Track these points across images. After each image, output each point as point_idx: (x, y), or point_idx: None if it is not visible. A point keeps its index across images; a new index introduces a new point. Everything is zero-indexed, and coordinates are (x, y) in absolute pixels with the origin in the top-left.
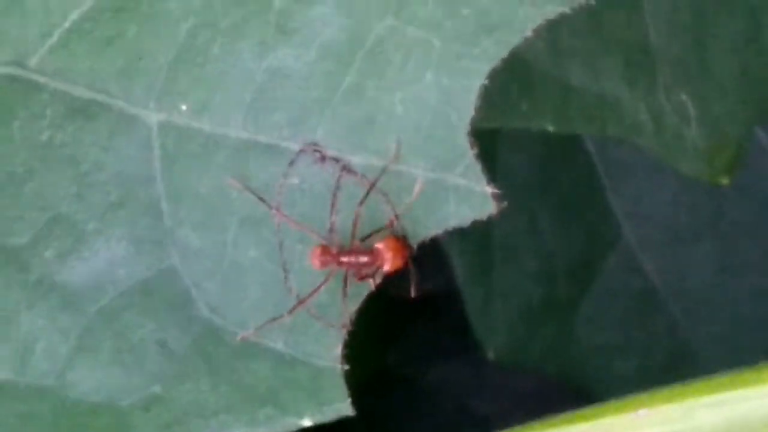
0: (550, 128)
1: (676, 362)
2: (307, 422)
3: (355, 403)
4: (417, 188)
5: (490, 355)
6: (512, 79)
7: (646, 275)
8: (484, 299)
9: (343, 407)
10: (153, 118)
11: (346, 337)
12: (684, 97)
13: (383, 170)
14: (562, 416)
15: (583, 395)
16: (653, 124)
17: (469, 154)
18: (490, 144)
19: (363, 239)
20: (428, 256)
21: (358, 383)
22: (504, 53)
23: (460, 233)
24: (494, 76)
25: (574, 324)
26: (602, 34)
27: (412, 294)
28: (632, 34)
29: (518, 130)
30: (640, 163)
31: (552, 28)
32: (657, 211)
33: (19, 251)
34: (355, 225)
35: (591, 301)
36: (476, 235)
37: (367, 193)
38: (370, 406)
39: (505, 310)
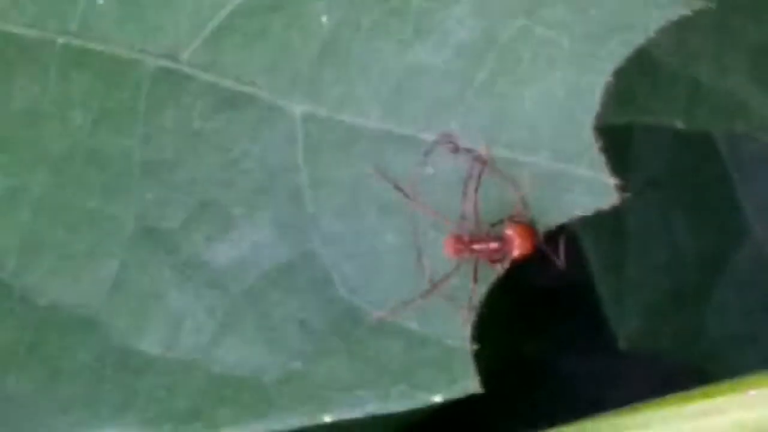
0: (680, 125)
1: None
2: (437, 399)
3: (493, 387)
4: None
5: (622, 343)
6: (643, 77)
7: None
8: (616, 290)
9: (472, 385)
10: (297, 109)
11: (476, 318)
12: None
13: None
14: (676, 396)
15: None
16: None
17: (594, 146)
18: (624, 140)
19: (493, 225)
20: (568, 251)
21: (494, 368)
22: (629, 53)
23: (594, 227)
24: (625, 74)
25: (704, 314)
26: (729, 34)
27: (561, 266)
28: (758, 34)
29: (651, 126)
30: None
31: (680, 28)
32: None
33: (169, 234)
34: (476, 212)
35: (720, 292)
36: (610, 228)
37: (480, 177)
38: (507, 393)
39: (637, 300)
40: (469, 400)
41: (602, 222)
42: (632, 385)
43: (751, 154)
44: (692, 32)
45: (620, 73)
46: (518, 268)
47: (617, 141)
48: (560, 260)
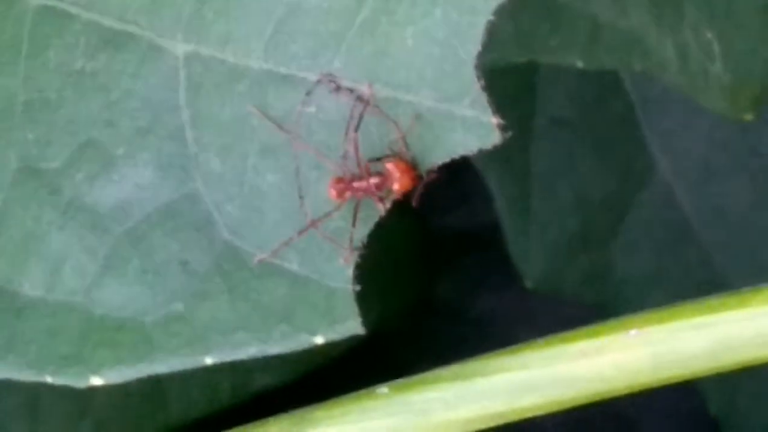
0: (579, 64)
1: (709, 292)
2: (319, 339)
3: (404, 326)
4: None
5: (528, 284)
6: (542, 15)
7: (680, 208)
8: (522, 230)
9: (354, 326)
10: (179, 49)
11: (358, 259)
12: (709, 34)
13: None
14: (557, 336)
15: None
16: (679, 61)
17: (475, 86)
18: (528, 80)
19: (372, 161)
20: (478, 192)
21: (405, 308)
22: None
23: (499, 166)
24: (525, 13)
25: (610, 254)
26: None
27: (414, 203)
28: None
29: (556, 67)
30: (675, 99)
31: None
32: (692, 146)
33: (51, 174)
34: (356, 149)
35: (626, 232)
36: (515, 168)
37: (362, 116)
38: (419, 333)
39: (543, 240)
40: (381, 339)
41: (507, 161)
42: (544, 324)
43: (656, 91)
44: None
45: (520, 13)
46: (428, 207)
47: (521, 79)
48: (415, 199)
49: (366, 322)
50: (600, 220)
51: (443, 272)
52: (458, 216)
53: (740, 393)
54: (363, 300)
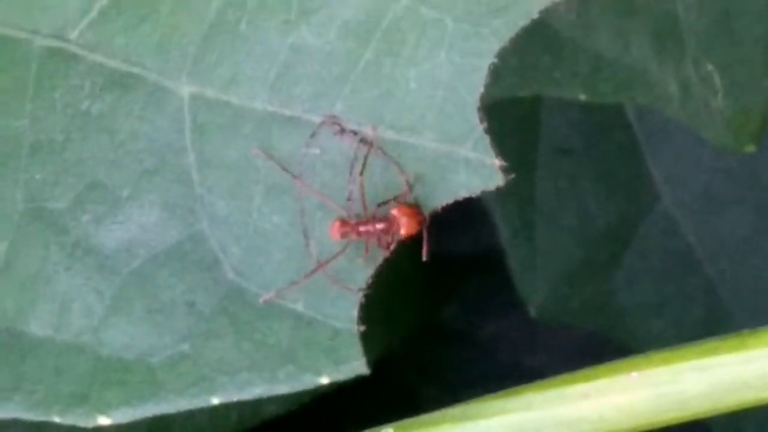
0: (582, 97)
1: (712, 322)
2: (324, 380)
3: (411, 350)
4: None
5: (532, 312)
6: (545, 49)
7: (683, 237)
8: (526, 259)
9: (359, 366)
10: (185, 90)
11: (363, 300)
12: (710, 67)
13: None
14: (558, 378)
15: (627, 349)
16: (681, 94)
17: (478, 128)
18: (532, 110)
19: (379, 205)
20: (483, 216)
21: (412, 333)
22: (513, 33)
23: (503, 196)
24: (527, 47)
25: (613, 283)
26: (632, 6)
27: (424, 257)
28: (661, 6)
29: (560, 98)
30: (678, 128)
31: (583, 1)
32: (694, 175)
33: (58, 215)
34: (362, 193)
35: (629, 261)
36: (519, 197)
37: (366, 158)
38: (425, 358)
39: (547, 269)
40: (388, 363)
41: (511, 191)
42: (549, 350)
43: (659, 121)
44: (595, 5)
45: (522, 47)
46: (434, 232)
47: (525, 110)
48: (426, 250)
49: (370, 357)
50: (603, 249)
51: (449, 297)
52: (464, 240)
53: (747, 425)
54: (369, 328)
